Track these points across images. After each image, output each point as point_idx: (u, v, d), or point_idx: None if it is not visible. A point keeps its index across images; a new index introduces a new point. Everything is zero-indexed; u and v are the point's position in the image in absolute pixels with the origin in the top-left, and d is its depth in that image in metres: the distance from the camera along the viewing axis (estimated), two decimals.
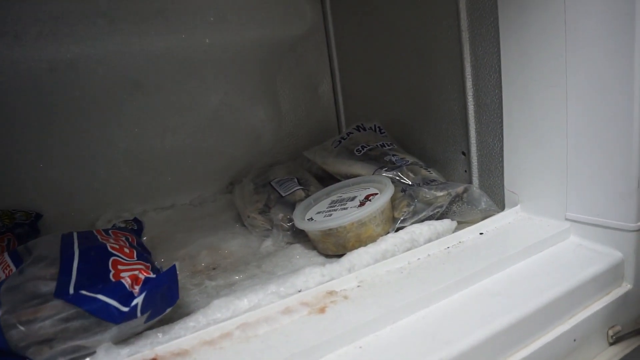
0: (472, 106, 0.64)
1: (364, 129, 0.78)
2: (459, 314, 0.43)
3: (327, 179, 0.75)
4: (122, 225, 0.62)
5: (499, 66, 0.58)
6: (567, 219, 0.54)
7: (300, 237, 0.64)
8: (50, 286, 0.41)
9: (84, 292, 0.40)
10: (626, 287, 0.50)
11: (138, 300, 0.40)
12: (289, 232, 0.64)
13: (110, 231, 0.54)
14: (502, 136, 0.60)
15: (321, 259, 0.59)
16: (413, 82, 0.75)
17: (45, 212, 0.72)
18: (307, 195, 0.67)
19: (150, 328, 0.44)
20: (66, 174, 0.74)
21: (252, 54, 0.86)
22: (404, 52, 0.75)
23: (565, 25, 0.49)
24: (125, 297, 0.40)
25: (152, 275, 0.43)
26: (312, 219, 0.60)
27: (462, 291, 0.46)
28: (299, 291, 0.48)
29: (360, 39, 0.85)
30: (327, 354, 0.39)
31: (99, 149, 0.76)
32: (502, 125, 0.60)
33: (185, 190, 0.82)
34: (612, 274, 0.50)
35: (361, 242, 0.56)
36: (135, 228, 0.62)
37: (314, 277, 0.50)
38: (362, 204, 0.58)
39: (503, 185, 0.61)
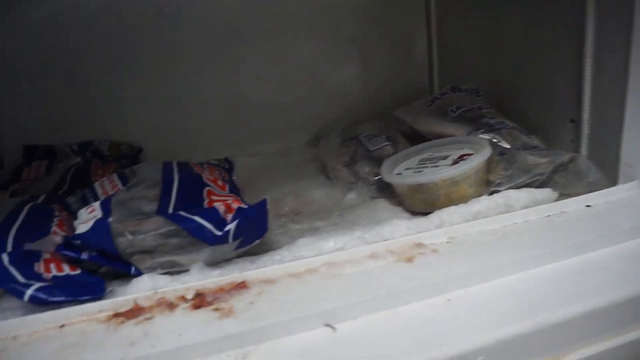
0: (590, 67, 0.58)
1: (460, 91, 0.74)
2: (560, 282, 0.39)
3: (416, 140, 0.72)
4: (215, 162, 0.64)
5: (631, 20, 0.51)
6: None
7: (386, 192, 0.63)
8: (152, 205, 0.44)
9: (182, 212, 0.42)
10: None
11: (231, 227, 0.41)
12: (374, 187, 0.63)
13: (204, 165, 0.56)
14: (625, 103, 0.53)
15: (407, 214, 0.57)
16: (519, 39, 0.69)
17: (145, 147, 0.77)
18: (395, 152, 0.65)
19: (239, 257, 0.46)
20: (165, 114, 0.78)
21: (347, 9, 0.84)
22: (510, 8, 0.69)
23: None
24: (219, 222, 0.42)
25: (245, 206, 0.44)
26: (400, 174, 0.58)
27: (563, 260, 0.42)
28: (386, 240, 0.47)
29: None
30: (413, 302, 0.38)
31: (195, 93, 0.79)
32: (625, 90, 0.53)
33: (272, 139, 0.84)
34: None
35: (452, 201, 0.54)
36: (227, 167, 0.64)
37: (400, 229, 0.48)
38: (455, 162, 0.56)
39: (618, 157, 0.55)
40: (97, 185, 0.52)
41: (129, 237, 0.39)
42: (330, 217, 0.59)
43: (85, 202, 0.50)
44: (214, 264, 0.44)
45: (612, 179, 0.57)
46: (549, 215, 0.49)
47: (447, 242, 0.45)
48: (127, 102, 0.76)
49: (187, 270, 0.42)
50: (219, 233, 0.41)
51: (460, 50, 0.83)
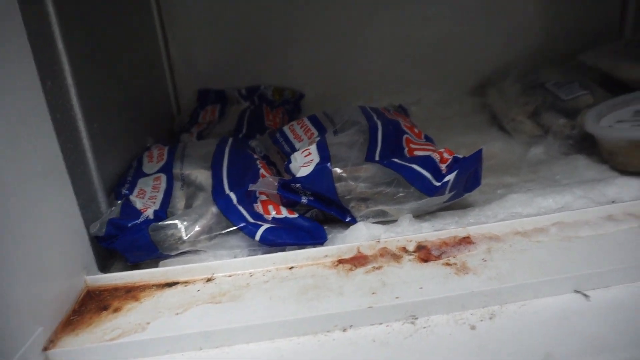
0: None
1: None
2: None
3: (614, 89, 0.62)
4: (392, 109, 0.61)
5: None
6: None
7: (582, 148, 0.56)
8: (362, 151, 0.42)
9: (397, 160, 0.40)
10: None
11: (450, 178, 0.39)
12: (569, 142, 0.56)
13: (392, 111, 0.54)
14: None
15: (617, 173, 0.50)
16: None
17: (306, 93, 0.76)
18: (595, 103, 0.57)
19: (441, 210, 0.44)
20: (325, 59, 0.77)
21: None
22: None
23: None
24: (437, 172, 0.39)
25: (460, 156, 0.41)
26: (611, 127, 0.51)
27: None
28: (613, 202, 0.41)
29: None
30: None
31: (358, 36, 0.76)
32: None
33: (433, 86, 0.78)
34: None
35: None
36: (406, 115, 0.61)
37: (630, 189, 0.42)
38: None
39: None
40: (286, 129, 0.52)
41: (351, 183, 0.39)
42: (520, 172, 0.54)
43: (279, 146, 0.51)
44: (419, 215, 0.42)
45: None
46: None
47: None
48: (290, 46, 0.76)
49: (394, 221, 0.41)
50: (438, 184, 0.39)
51: None
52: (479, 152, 0.41)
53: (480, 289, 0.31)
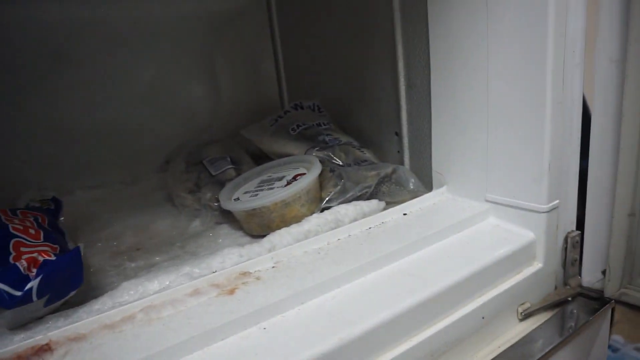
0: (404, 87, 0.64)
1: (302, 108, 0.77)
2: (368, 294, 0.43)
3: (264, 158, 0.73)
4: (37, 205, 0.59)
5: (428, 48, 0.57)
6: (486, 201, 0.56)
7: (229, 216, 0.63)
8: None
9: None
10: (537, 266, 0.52)
11: (33, 284, 0.38)
12: (217, 212, 0.63)
13: (18, 211, 0.51)
14: (431, 118, 0.60)
15: (247, 239, 0.58)
16: (350, 62, 0.74)
17: None
18: (238, 175, 0.66)
19: (54, 312, 0.43)
20: None
21: (188, 27, 0.83)
22: (342, 31, 0.74)
23: (487, 12, 0.49)
24: (19, 280, 0.38)
25: (52, 258, 0.41)
26: (238, 198, 0.59)
27: (375, 272, 0.46)
28: (214, 272, 0.47)
29: (301, 16, 0.83)
30: (230, 336, 0.38)
31: (20, 124, 0.72)
32: (430, 107, 0.60)
33: (116, 168, 0.79)
34: (524, 254, 0.52)
35: (286, 222, 0.56)
36: (52, 208, 0.59)
37: (232, 257, 0.49)
38: (288, 183, 0.58)
39: (431, 166, 0.62)
40: None
41: None
42: (171, 249, 0.58)
43: None
44: (21, 325, 0.40)
45: (429, 185, 0.64)
46: (370, 228, 0.54)
47: (273, 267, 0.46)
48: None
49: None
50: (19, 293, 0.38)
51: (305, 68, 0.86)
52: (76, 249, 0.42)
53: None
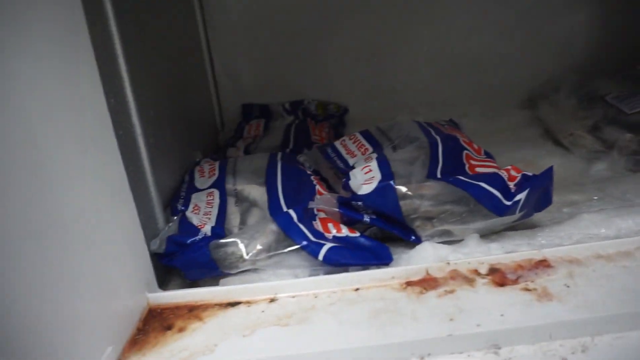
0: None
1: None
2: None
3: None
4: (443, 123, 0.60)
5: None
6: None
7: None
8: (424, 168, 0.41)
9: (462, 178, 0.38)
10: None
11: (521, 197, 0.37)
12: (636, 157, 0.53)
13: (445, 125, 0.52)
14: None
15: None
16: None
17: (350, 108, 0.75)
18: None
19: (507, 230, 0.41)
20: (369, 73, 0.76)
21: None
22: None
23: None
24: (506, 190, 0.37)
25: (530, 173, 0.39)
26: None
27: None
28: None
29: None
30: None
31: (400, 50, 0.75)
32: None
33: (478, 100, 0.76)
34: None
35: None
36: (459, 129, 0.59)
37: None
38: None
39: None
40: (337, 144, 0.51)
41: (416, 201, 0.37)
42: (584, 189, 0.51)
43: (330, 161, 0.49)
44: (484, 235, 0.40)
45: None
46: None
47: None
48: (334, 60, 0.75)
49: (459, 241, 0.39)
50: (508, 203, 0.37)
51: None
52: (550, 169, 0.39)
53: (569, 318, 0.29)
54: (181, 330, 0.32)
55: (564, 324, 0.29)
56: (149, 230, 0.39)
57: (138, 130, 0.40)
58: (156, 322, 0.33)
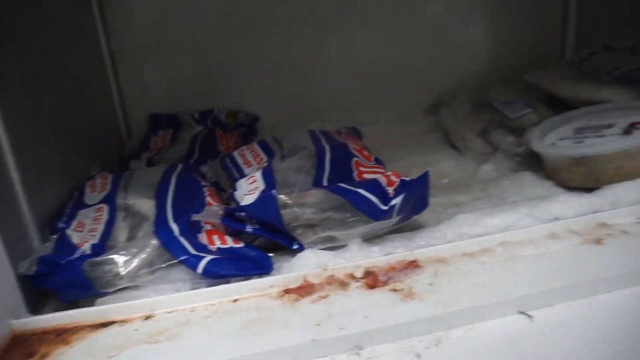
0: None
1: (612, 49, 0.65)
2: None
3: (555, 108, 0.65)
4: (344, 131, 0.61)
5: None
6: None
7: (529, 165, 0.57)
8: (309, 176, 0.42)
9: (343, 185, 0.40)
10: None
11: (397, 201, 0.39)
12: (517, 158, 0.57)
13: (342, 134, 0.54)
14: None
15: (560, 189, 0.51)
16: None
17: (263, 116, 0.76)
18: (540, 121, 0.59)
19: (389, 233, 0.43)
20: (279, 82, 0.77)
21: None
22: None
23: None
24: (384, 195, 0.39)
25: (407, 178, 0.41)
26: (554, 144, 0.52)
27: None
28: (556, 219, 0.42)
29: None
30: (615, 290, 0.33)
31: (312, 58, 0.76)
32: None
33: (387, 106, 0.79)
34: None
35: (621, 176, 0.47)
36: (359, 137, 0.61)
37: (572, 205, 0.43)
38: (627, 132, 0.49)
39: None
40: (236, 154, 0.52)
41: (297, 210, 0.38)
42: (470, 190, 0.55)
43: (228, 172, 0.49)
44: (368, 239, 0.42)
45: None
46: None
47: (637, 223, 0.39)
48: (244, 69, 0.75)
49: (343, 246, 0.40)
50: (385, 207, 0.38)
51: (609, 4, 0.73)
52: (426, 174, 0.41)
53: (426, 314, 0.31)
54: (44, 356, 0.31)
55: (420, 321, 0.31)
56: (19, 251, 0.37)
57: (5, 146, 0.38)
58: (17, 351, 0.31)
